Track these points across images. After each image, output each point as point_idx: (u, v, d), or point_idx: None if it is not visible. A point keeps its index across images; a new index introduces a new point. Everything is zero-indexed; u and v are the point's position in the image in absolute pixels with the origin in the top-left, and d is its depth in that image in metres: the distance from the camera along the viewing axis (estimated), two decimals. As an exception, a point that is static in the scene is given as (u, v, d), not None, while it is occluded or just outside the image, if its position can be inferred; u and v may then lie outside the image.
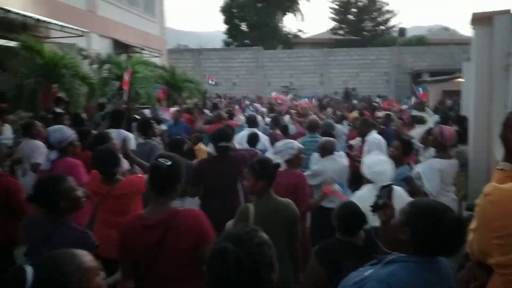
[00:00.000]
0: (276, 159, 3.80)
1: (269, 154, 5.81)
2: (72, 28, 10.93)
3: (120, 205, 3.12)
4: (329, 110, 11.35)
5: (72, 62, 9.48)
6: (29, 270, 1.23)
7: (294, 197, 3.07)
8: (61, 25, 10.52)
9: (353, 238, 2.51)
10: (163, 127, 7.78)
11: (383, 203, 1.98)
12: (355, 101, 18.10)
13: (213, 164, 4.08)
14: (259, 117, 8.34)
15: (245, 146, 5.48)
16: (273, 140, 6.23)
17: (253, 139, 5.56)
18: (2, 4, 9.08)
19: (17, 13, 9.33)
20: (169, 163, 2.23)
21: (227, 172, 3.85)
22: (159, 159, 2.25)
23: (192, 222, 2.23)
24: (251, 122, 7.05)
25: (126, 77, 8.71)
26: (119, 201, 3.15)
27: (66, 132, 3.85)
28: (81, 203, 2.48)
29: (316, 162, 4.77)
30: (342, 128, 7.95)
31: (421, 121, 7.82)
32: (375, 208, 2.01)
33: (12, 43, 9.19)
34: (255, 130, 6.41)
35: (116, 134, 4.85)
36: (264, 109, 11.74)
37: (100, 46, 13.55)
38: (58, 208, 2.35)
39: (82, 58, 11.66)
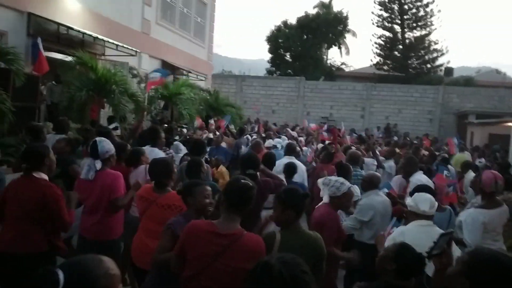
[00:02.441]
0: (323, 189, 3.73)
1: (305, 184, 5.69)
2: (125, 47, 11.43)
3: (163, 215, 3.15)
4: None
5: (123, 79, 9.86)
6: (60, 273, 1.25)
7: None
8: (116, 44, 11.03)
9: (407, 283, 2.32)
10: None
11: (441, 251, 1.81)
12: (395, 138, 17.63)
13: None
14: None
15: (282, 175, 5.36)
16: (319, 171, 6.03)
17: (290, 170, 5.45)
18: (64, 22, 9.66)
19: (77, 31, 9.88)
20: (253, 184, 2.38)
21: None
22: (243, 180, 2.38)
23: (255, 247, 2.26)
24: (290, 150, 6.80)
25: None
26: (162, 211, 3.21)
27: (110, 144, 3.97)
28: (207, 212, 2.85)
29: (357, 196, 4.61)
30: (391, 165, 7.59)
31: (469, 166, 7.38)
32: (432, 255, 1.84)
33: (69, 58, 9.70)
34: (293, 159, 6.27)
35: (150, 152, 4.95)
36: (301, 138, 11.65)
37: (149, 66, 14.05)
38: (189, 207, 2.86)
39: (132, 76, 12.13)
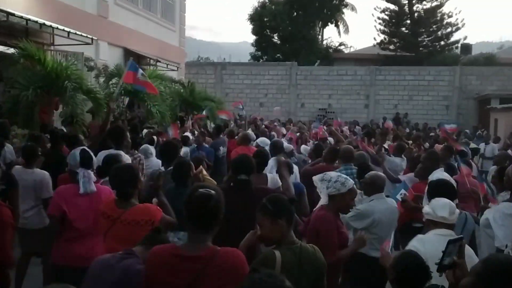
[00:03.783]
0: (320, 187, 3.76)
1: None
2: (79, 35, 11.35)
3: (128, 233, 3.17)
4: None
5: (77, 73, 9.78)
6: None
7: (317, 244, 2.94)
8: (67, 31, 10.94)
9: None
10: (184, 150, 7.93)
11: (452, 262, 1.86)
12: (407, 130, 17.86)
13: (229, 196, 4.07)
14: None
15: (276, 177, 5.43)
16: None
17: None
18: (3, 6, 9.55)
19: (19, 17, 9.78)
20: (213, 193, 2.33)
21: (245, 208, 3.79)
22: (202, 189, 2.34)
23: (234, 264, 2.26)
24: (277, 148, 6.76)
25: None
26: (127, 228, 3.22)
27: None
28: None
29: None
30: (401, 162, 7.65)
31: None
32: (442, 267, 1.88)
33: (11, 50, 9.59)
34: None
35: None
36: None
37: (109, 56, 14.00)
38: None
39: (88, 69, 12.05)
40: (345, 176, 3.86)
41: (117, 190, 3.46)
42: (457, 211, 3.40)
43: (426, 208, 3.43)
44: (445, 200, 3.44)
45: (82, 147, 4.12)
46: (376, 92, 25.17)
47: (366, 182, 4.58)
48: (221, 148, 9.09)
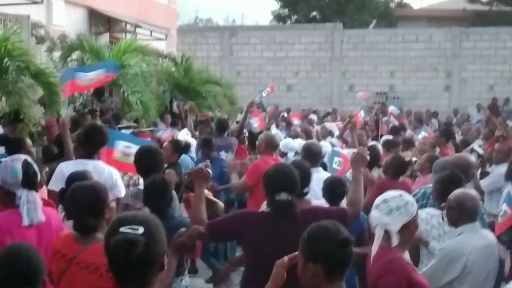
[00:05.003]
0: (390, 219, 3.68)
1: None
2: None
3: (83, 281, 3.25)
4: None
5: (21, 46, 9.83)
6: None
7: None
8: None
9: None
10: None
11: None
12: (509, 122, 17.71)
13: (266, 224, 4.19)
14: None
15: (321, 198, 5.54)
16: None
17: (336, 190, 5.49)
18: None
19: None
20: (141, 231, 2.28)
21: (290, 240, 3.72)
22: (123, 228, 2.29)
23: None
24: (312, 156, 6.79)
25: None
26: (83, 274, 3.29)
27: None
28: None
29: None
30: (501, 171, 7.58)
31: None
32: None
33: None
34: (321, 172, 6.53)
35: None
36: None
37: (67, 21, 14.13)
38: None
39: (37, 41, 12.12)
40: (407, 197, 3.83)
41: (74, 221, 3.54)
42: None
43: None
44: None
45: (23, 158, 4.15)
46: (462, 67, 25.04)
47: (451, 205, 4.57)
48: (224, 153, 9.16)
